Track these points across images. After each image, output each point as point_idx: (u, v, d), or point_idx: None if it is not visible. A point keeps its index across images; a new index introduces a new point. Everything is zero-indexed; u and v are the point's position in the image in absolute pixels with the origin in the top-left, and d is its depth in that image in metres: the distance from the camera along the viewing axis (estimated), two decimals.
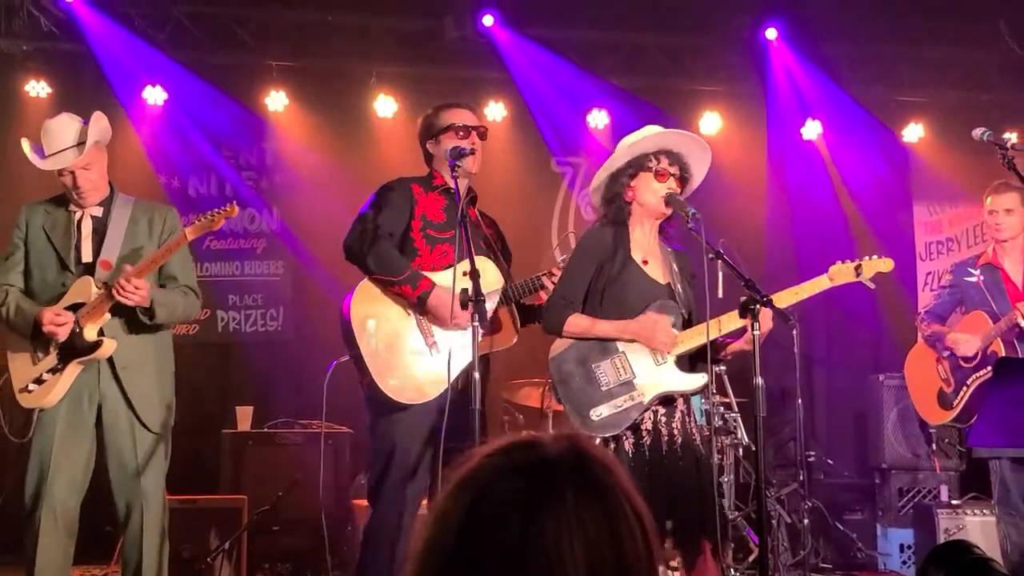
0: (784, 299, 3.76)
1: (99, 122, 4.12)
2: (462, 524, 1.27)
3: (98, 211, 4.14)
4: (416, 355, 3.86)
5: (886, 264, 3.94)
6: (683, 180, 3.94)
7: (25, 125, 7.17)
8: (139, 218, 4.17)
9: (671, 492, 3.71)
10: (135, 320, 4.03)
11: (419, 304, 3.84)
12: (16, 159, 7.06)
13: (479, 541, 1.25)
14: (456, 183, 3.83)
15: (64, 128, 4.07)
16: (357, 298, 3.89)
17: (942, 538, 5.95)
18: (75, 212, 4.12)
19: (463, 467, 1.34)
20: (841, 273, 3.88)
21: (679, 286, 3.87)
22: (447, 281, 3.81)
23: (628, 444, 3.77)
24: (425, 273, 3.87)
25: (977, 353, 5.01)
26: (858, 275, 3.87)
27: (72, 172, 4.03)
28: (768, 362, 7.19)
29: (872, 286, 3.91)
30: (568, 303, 3.84)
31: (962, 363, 5.11)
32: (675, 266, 3.93)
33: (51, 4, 6.85)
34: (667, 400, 3.82)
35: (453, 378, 3.73)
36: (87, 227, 4.10)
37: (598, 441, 3.78)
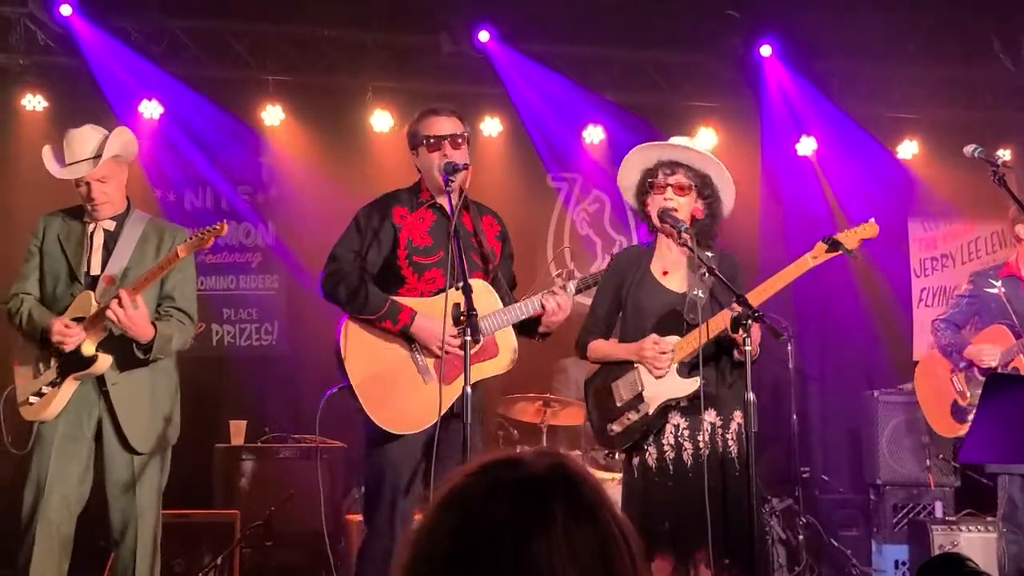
0: (768, 288, 3.76)
1: (121, 136, 4.11)
2: (450, 544, 1.26)
3: (111, 225, 4.12)
4: (409, 385, 3.75)
5: (869, 229, 3.79)
6: (702, 193, 3.92)
7: (21, 139, 7.19)
8: (150, 236, 4.15)
9: (696, 506, 3.69)
10: (130, 339, 4.00)
11: (403, 336, 3.77)
12: (13, 171, 7.11)
13: (469, 561, 1.24)
14: (449, 198, 3.77)
15: (86, 138, 4.07)
16: (346, 329, 3.79)
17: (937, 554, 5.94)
18: (89, 224, 4.11)
19: (446, 485, 1.33)
20: (821, 250, 3.79)
21: (699, 292, 3.86)
22: (433, 306, 3.74)
23: (651, 458, 3.82)
24: (406, 301, 3.76)
25: (998, 366, 4.93)
26: (835, 249, 3.75)
27: (88, 183, 4.03)
28: (763, 378, 7.23)
29: (856, 256, 3.79)
30: (592, 329, 4.04)
31: (979, 376, 5.03)
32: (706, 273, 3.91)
33: (48, 18, 6.86)
34: (691, 412, 3.82)
35: (447, 408, 3.71)
36: (98, 240, 4.09)
37: (617, 455, 3.88)
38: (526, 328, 3.96)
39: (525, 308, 3.86)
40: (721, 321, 3.73)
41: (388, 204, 3.93)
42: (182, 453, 6.45)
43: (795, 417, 6.72)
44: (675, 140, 4.06)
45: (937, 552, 5.95)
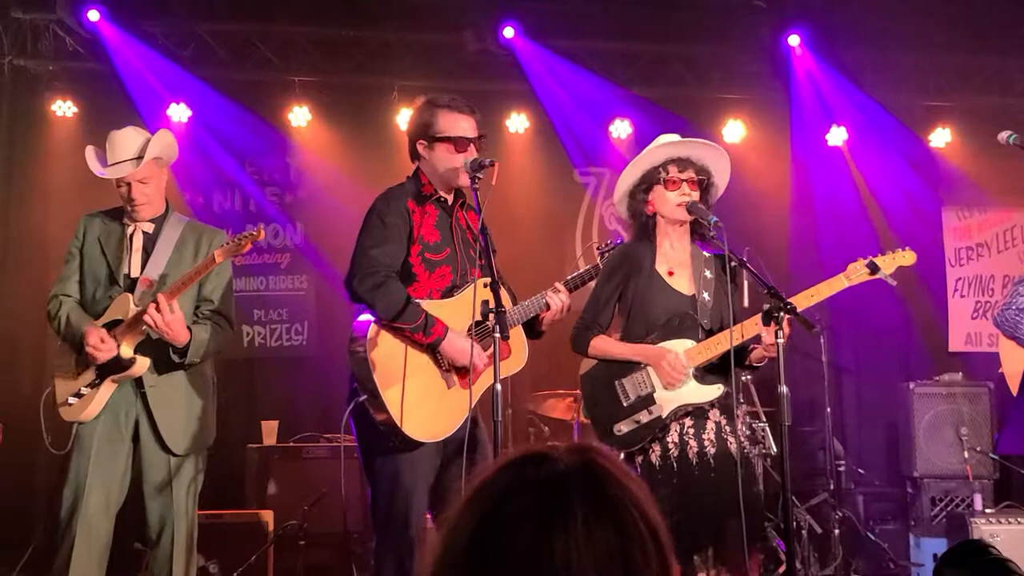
0: (801, 302, 3.73)
1: (163, 139, 4.15)
2: (472, 538, 1.27)
3: (149, 227, 4.16)
4: (434, 391, 3.66)
5: (907, 257, 3.84)
6: (703, 185, 3.93)
7: (52, 144, 7.27)
8: (188, 239, 4.18)
9: (703, 504, 3.68)
10: (167, 342, 4.02)
11: (431, 349, 3.65)
12: (45, 176, 7.18)
13: (489, 556, 1.25)
14: (476, 195, 3.71)
15: (128, 140, 4.12)
16: (373, 334, 3.62)
17: None
18: (128, 226, 4.15)
19: (475, 480, 1.34)
20: (857, 272, 3.82)
21: (706, 295, 3.86)
22: (457, 310, 3.69)
23: (655, 456, 3.79)
24: (428, 306, 3.65)
25: None
26: (873, 272, 3.78)
27: (128, 184, 4.07)
28: (797, 371, 7.21)
29: (893, 283, 3.79)
30: (592, 325, 3.96)
31: None
32: (708, 273, 3.91)
33: (76, 24, 6.93)
34: (697, 412, 3.81)
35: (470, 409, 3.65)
36: (138, 242, 4.13)
37: (622, 456, 3.81)
38: (526, 328, 3.90)
39: (534, 305, 3.81)
40: (749, 330, 3.71)
41: (401, 198, 3.79)
42: (215, 454, 6.51)
43: (829, 410, 6.66)
44: (669, 137, 4.02)
45: None
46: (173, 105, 7.20)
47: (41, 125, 7.27)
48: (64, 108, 7.22)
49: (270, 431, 6.54)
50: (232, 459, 6.51)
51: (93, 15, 6.82)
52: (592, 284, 4.05)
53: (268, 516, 5.82)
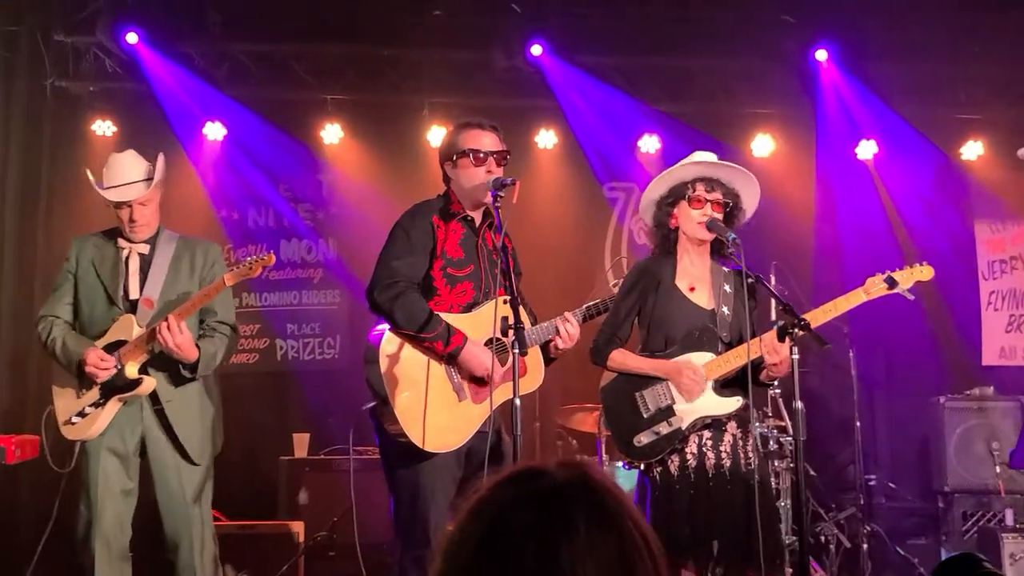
0: (818, 316, 3.75)
1: (159, 162, 4.29)
2: (476, 554, 1.31)
3: (144, 248, 4.27)
4: (444, 403, 3.72)
5: (924, 272, 3.85)
6: (729, 208, 3.97)
7: (92, 163, 7.40)
8: (182, 255, 4.29)
9: (716, 515, 3.73)
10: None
11: (450, 359, 3.71)
12: (86, 195, 7.33)
13: (493, 569, 1.29)
14: (497, 213, 3.78)
15: (131, 163, 4.25)
16: (387, 345, 3.71)
17: (1007, 564, 5.82)
18: (123, 249, 4.25)
19: (474, 496, 1.38)
20: (875, 286, 3.83)
21: (725, 309, 3.90)
22: (475, 324, 3.74)
23: (673, 467, 3.84)
24: (456, 324, 3.71)
25: None
26: (891, 287, 3.79)
27: (131, 206, 4.18)
28: (827, 386, 7.20)
29: (911, 297, 3.79)
30: (611, 338, 4.00)
31: None
32: (727, 287, 3.95)
33: (115, 46, 7.10)
34: (715, 424, 3.85)
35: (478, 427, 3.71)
36: (134, 264, 4.24)
37: (641, 467, 3.87)
38: (545, 353, 3.95)
39: (548, 329, 3.85)
40: (767, 343, 3.74)
41: (427, 213, 3.88)
42: (248, 465, 6.64)
43: (858, 424, 6.64)
44: (704, 156, 4.06)
45: (1008, 560, 5.83)
46: (209, 124, 7.35)
47: (82, 144, 7.44)
48: (104, 128, 7.39)
49: (301, 443, 6.64)
50: (264, 471, 6.62)
51: (132, 38, 6.98)
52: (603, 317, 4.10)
53: (299, 527, 5.91)
